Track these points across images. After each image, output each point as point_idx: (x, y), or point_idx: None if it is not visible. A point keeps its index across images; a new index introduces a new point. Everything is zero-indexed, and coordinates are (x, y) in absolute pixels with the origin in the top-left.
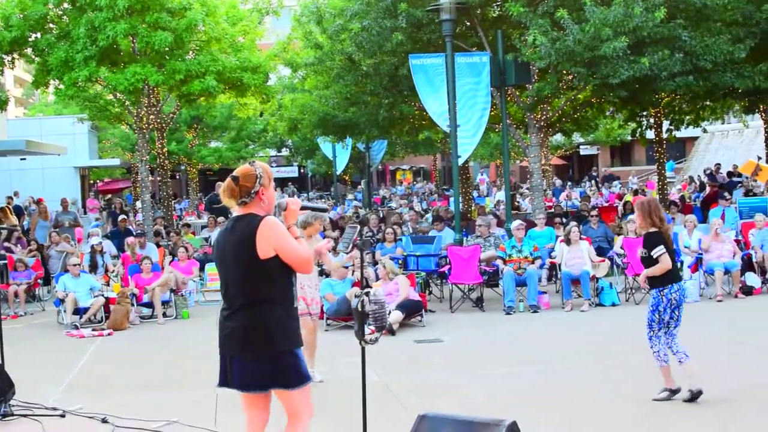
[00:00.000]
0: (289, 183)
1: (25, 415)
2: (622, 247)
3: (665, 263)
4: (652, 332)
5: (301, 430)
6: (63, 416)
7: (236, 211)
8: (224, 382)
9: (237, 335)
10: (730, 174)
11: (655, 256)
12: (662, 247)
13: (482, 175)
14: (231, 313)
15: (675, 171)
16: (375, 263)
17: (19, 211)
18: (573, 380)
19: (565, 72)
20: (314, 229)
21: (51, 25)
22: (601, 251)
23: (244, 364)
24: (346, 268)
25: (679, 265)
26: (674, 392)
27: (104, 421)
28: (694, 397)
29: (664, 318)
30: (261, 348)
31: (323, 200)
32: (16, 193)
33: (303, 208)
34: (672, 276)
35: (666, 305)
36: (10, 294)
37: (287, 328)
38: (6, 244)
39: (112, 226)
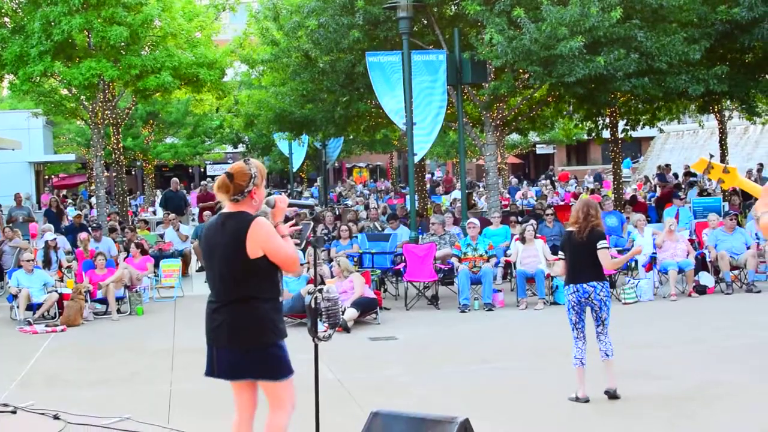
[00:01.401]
0: None
1: None
2: None
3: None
4: (575, 334)
5: (284, 420)
6: (14, 412)
7: (227, 207)
8: (210, 372)
9: (225, 328)
10: (687, 174)
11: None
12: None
13: (439, 172)
14: (219, 306)
15: (632, 169)
16: (330, 260)
17: None
18: (527, 378)
19: (521, 71)
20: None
21: (5, 19)
22: (556, 250)
23: (233, 355)
24: (302, 265)
25: (633, 264)
26: (580, 399)
27: (56, 417)
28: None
29: (572, 320)
30: (248, 341)
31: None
32: None
33: (291, 205)
34: (570, 278)
35: (568, 305)
36: None
37: (274, 321)
38: None
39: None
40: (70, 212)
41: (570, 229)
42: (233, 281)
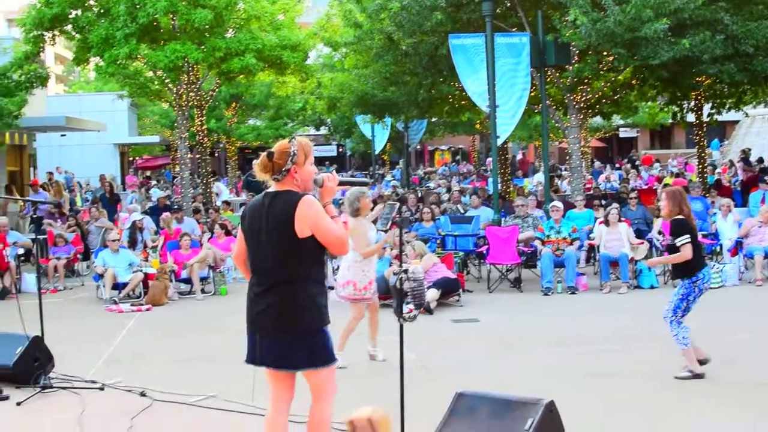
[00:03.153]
0: (326, 162)
1: (64, 388)
2: (660, 230)
3: (686, 253)
4: (674, 317)
5: (326, 408)
6: (102, 389)
7: (272, 186)
8: (252, 358)
9: (270, 312)
10: None
11: (678, 245)
12: (688, 236)
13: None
14: (264, 290)
15: (720, 151)
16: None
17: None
18: (610, 362)
19: (605, 53)
20: (365, 208)
21: (91, 2)
22: (640, 233)
23: (278, 341)
24: (384, 249)
25: (718, 248)
26: (698, 375)
27: (142, 394)
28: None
29: (690, 307)
30: (293, 326)
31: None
32: (57, 169)
33: (342, 183)
34: (701, 264)
35: (696, 295)
36: (50, 268)
37: (318, 306)
38: (47, 220)
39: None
40: (155, 193)
41: (681, 217)
42: (281, 263)
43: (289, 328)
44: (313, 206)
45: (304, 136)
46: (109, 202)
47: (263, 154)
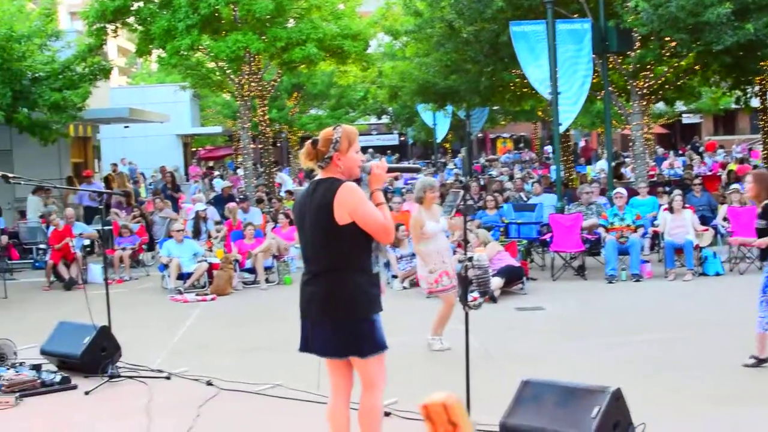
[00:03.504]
0: (388, 151)
1: (131, 377)
2: (726, 217)
3: None
4: (764, 297)
5: (377, 397)
6: (168, 378)
7: (319, 174)
8: (305, 347)
9: (317, 301)
10: None
11: None
12: None
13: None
14: (311, 278)
15: None
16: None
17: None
18: (675, 349)
19: (667, 38)
20: (430, 200)
21: None
22: (704, 220)
23: (324, 329)
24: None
25: None
26: (762, 361)
27: (209, 383)
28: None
29: None
30: (339, 314)
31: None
32: (122, 160)
33: (391, 170)
34: None
35: None
36: (116, 259)
37: (366, 294)
38: (114, 210)
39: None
40: (217, 183)
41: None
42: (323, 250)
43: (335, 316)
44: (353, 192)
45: (366, 125)
46: (172, 191)
47: (308, 142)
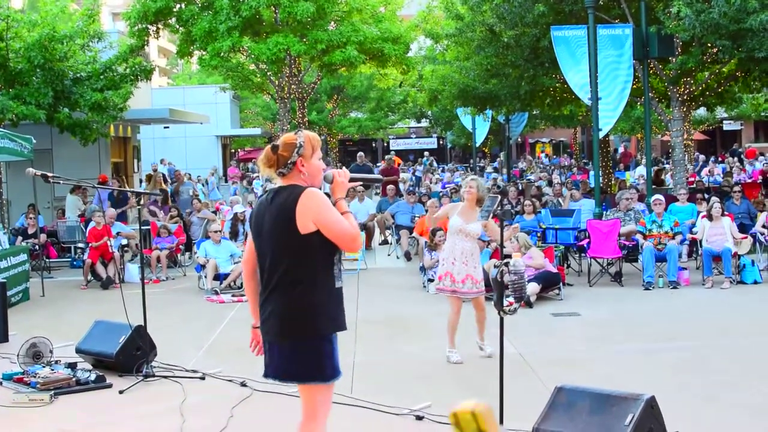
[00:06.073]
0: (426, 153)
1: (166, 377)
2: (765, 224)
3: None
4: None
5: (317, 430)
6: (203, 379)
7: (277, 181)
8: (265, 371)
9: (273, 319)
10: None
11: None
12: None
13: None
14: (268, 294)
15: None
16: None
17: (163, 179)
18: (712, 357)
19: (709, 45)
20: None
21: None
22: (743, 228)
23: (281, 351)
24: (484, 241)
25: None
26: None
27: (243, 384)
28: None
29: None
30: (297, 331)
31: (460, 172)
32: (162, 161)
33: (353, 179)
34: None
35: None
36: (153, 259)
37: (327, 311)
38: (152, 208)
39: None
40: (257, 185)
41: None
42: (282, 262)
43: (290, 335)
44: (317, 197)
45: (405, 128)
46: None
47: (267, 147)
